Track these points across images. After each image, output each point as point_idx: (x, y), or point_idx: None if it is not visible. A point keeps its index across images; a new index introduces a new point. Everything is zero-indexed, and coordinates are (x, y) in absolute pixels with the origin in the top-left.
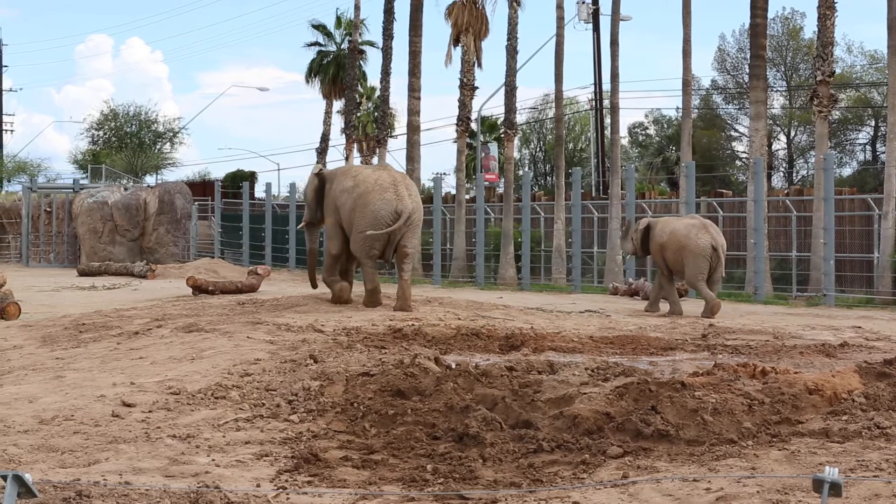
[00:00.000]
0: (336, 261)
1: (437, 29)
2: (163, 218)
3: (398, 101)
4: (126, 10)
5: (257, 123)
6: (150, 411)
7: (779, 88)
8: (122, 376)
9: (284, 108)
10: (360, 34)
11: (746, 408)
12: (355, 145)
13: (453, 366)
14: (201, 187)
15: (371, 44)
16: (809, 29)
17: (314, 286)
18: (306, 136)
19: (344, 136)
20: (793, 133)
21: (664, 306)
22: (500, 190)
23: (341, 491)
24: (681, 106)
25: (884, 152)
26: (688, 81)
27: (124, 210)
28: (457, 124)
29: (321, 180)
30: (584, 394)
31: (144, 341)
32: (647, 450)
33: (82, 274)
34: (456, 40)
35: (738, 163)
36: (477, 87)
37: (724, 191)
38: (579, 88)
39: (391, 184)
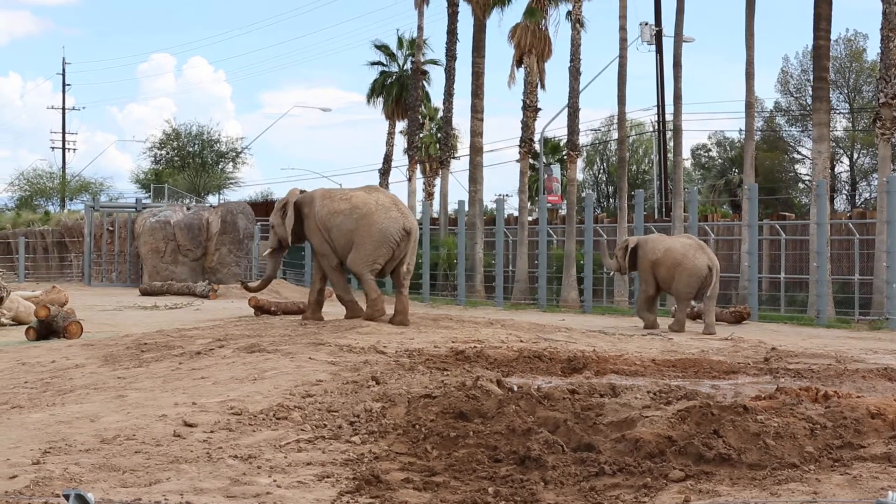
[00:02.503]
0: (341, 272)
1: (499, 50)
2: (225, 238)
3: (461, 121)
4: (189, 30)
5: (319, 144)
6: (211, 431)
7: (842, 111)
8: (183, 396)
9: (346, 129)
10: (422, 55)
11: (808, 432)
12: (418, 166)
13: (515, 388)
14: (264, 207)
15: (434, 62)
16: (872, 51)
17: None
18: (368, 156)
19: (407, 156)
20: (856, 155)
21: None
22: (563, 212)
23: None
24: (744, 128)
25: None
26: (751, 103)
27: (186, 230)
28: (520, 146)
29: (298, 205)
30: (646, 417)
31: (206, 361)
32: (709, 473)
33: (144, 293)
34: (519, 61)
35: (801, 185)
36: (540, 109)
37: (786, 213)
38: (642, 110)
39: (392, 203)
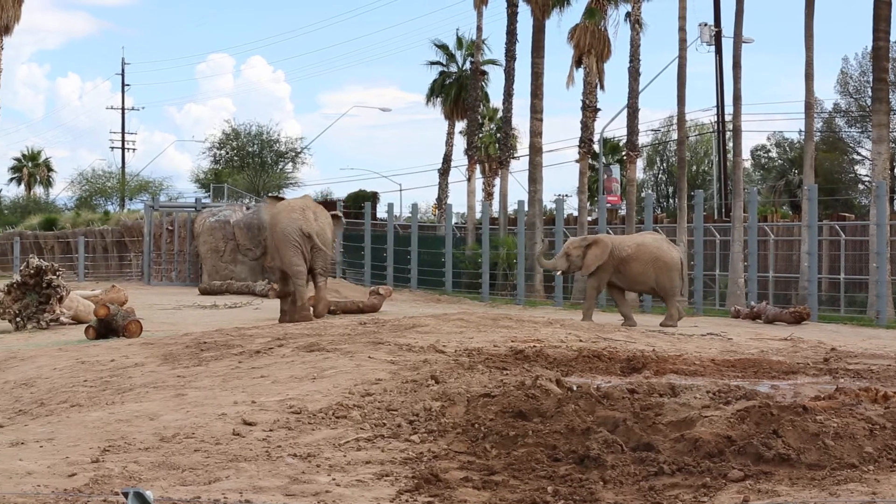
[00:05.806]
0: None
1: (558, 50)
2: None
3: (520, 122)
4: (247, 30)
5: (378, 144)
6: (270, 430)
7: None
8: (243, 395)
9: (405, 129)
10: (482, 55)
11: (868, 432)
12: (478, 166)
13: (574, 388)
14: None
15: (493, 62)
16: None
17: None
18: (428, 156)
19: (466, 156)
20: None
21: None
22: (622, 212)
23: None
24: (803, 129)
25: None
26: (810, 104)
27: (246, 229)
28: (579, 146)
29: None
30: (706, 417)
31: (266, 360)
32: (768, 473)
33: (204, 292)
34: (578, 62)
35: (861, 186)
36: (599, 109)
37: (846, 214)
38: (702, 111)
39: (300, 208)
